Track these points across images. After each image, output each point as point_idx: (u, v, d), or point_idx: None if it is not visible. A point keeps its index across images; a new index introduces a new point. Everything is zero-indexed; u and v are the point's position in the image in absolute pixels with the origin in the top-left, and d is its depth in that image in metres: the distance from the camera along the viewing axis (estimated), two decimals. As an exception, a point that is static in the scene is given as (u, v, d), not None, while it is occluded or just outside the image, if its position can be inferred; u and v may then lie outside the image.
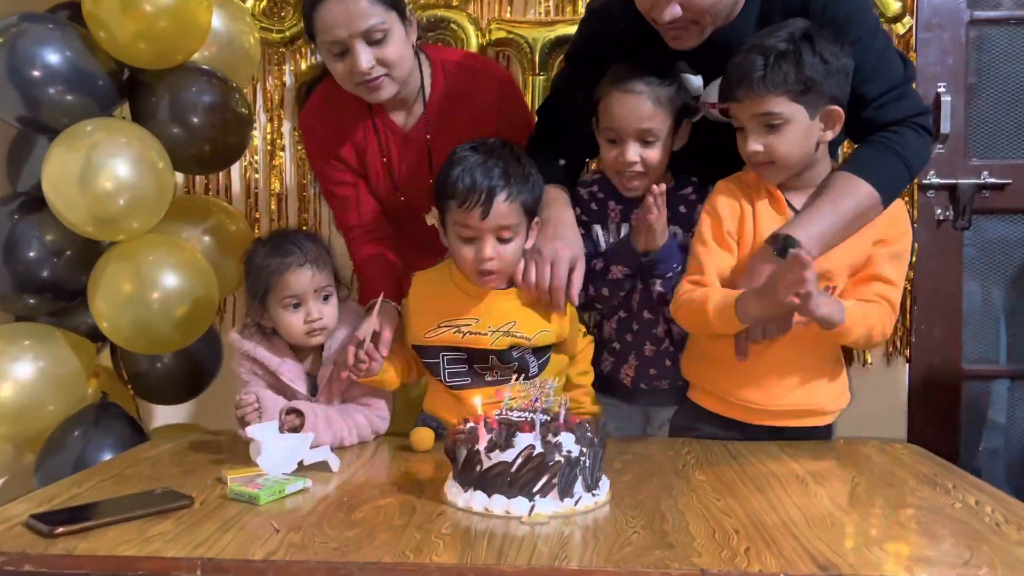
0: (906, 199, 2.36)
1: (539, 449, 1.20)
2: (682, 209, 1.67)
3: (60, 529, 1.09)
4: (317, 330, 1.59)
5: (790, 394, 1.57)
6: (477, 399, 1.36)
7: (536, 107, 1.97)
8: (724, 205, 1.55)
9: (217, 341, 2.15)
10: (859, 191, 1.50)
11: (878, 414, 1.94)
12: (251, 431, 1.43)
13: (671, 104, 1.59)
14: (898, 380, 2.44)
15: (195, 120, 1.95)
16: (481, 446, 1.22)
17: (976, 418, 2.58)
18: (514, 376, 1.56)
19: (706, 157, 1.65)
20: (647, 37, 1.55)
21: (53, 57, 1.79)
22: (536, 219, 1.58)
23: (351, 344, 1.55)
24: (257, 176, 2.42)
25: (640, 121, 1.58)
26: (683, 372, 1.69)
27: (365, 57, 1.62)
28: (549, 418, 1.28)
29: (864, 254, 1.56)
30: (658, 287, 1.64)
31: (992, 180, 2.44)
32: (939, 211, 2.46)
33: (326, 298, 1.61)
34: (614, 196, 1.70)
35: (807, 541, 1.09)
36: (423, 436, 1.55)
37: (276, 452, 1.41)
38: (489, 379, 1.59)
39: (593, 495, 1.24)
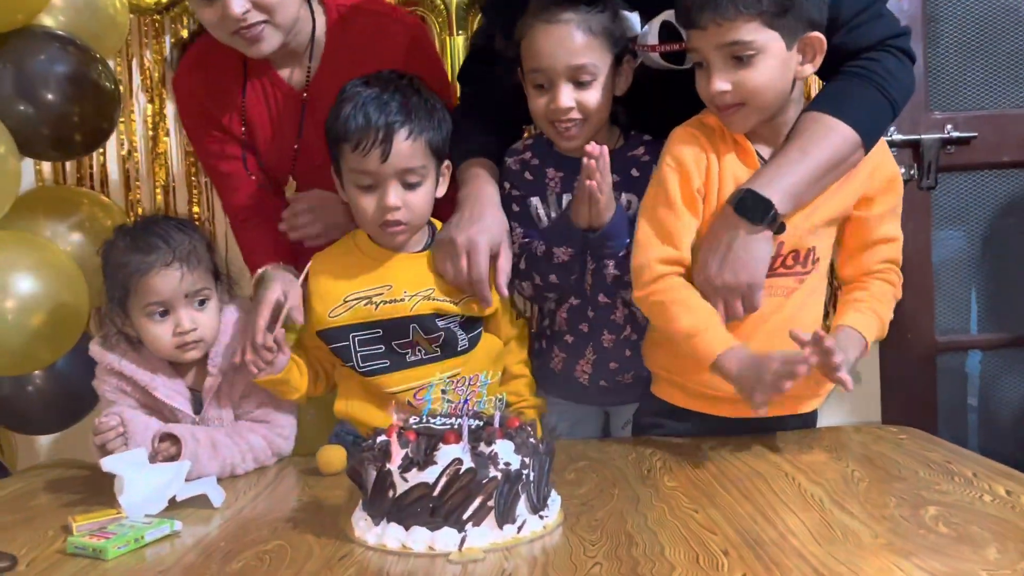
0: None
1: (468, 464, 0.93)
2: (634, 172, 1.40)
3: None
4: (190, 343, 1.30)
5: None
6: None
7: (455, 74, 1.70)
8: (689, 156, 1.28)
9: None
10: (836, 133, 1.26)
11: (848, 396, 1.71)
12: (107, 464, 1.14)
13: (607, 35, 1.32)
14: (870, 360, 2.23)
15: (47, 95, 1.63)
16: (394, 465, 0.95)
17: (951, 392, 2.41)
18: (439, 354, 1.34)
19: (655, 109, 1.40)
20: None
21: None
22: (447, 162, 1.38)
23: (249, 329, 1.28)
24: (138, 165, 2.10)
25: (571, 56, 1.30)
26: (645, 362, 1.44)
27: (238, 0, 1.33)
28: (481, 423, 1.01)
29: (844, 211, 1.33)
30: (611, 269, 1.38)
31: (957, 134, 2.25)
32: (903, 170, 2.25)
33: (202, 303, 1.31)
34: (552, 162, 1.42)
35: (818, 562, 0.84)
36: (331, 456, 1.27)
37: (140, 488, 1.13)
38: (411, 359, 1.35)
39: (541, 517, 0.98)
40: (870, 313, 1.33)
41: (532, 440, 1.00)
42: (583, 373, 1.47)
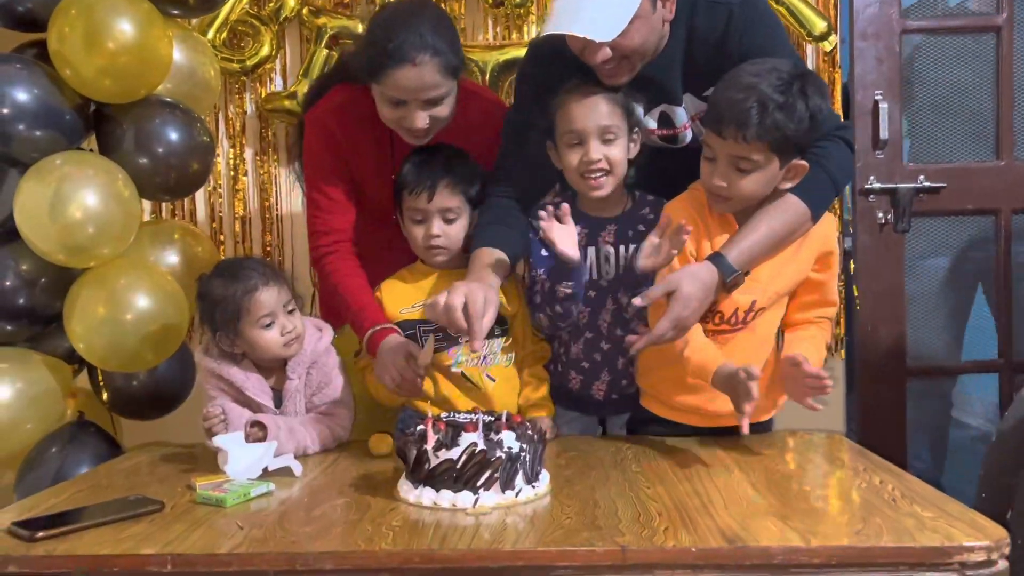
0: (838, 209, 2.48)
1: (482, 446, 1.31)
2: (640, 228, 1.76)
3: (41, 533, 1.19)
4: (293, 341, 1.69)
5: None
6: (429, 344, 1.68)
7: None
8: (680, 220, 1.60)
9: (189, 359, 2.24)
10: (792, 208, 1.59)
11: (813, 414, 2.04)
12: (217, 440, 1.53)
13: (625, 106, 1.69)
14: (835, 378, 2.55)
15: (159, 150, 2.03)
16: (429, 446, 1.33)
17: (923, 415, 2.71)
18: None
19: (655, 182, 1.78)
20: (589, 70, 1.66)
21: (21, 95, 1.89)
22: (478, 210, 1.79)
23: (401, 361, 1.68)
24: (221, 200, 2.52)
25: (600, 118, 1.67)
26: (636, 379, 1.81)
27: (422, 117, 1.73)
28: (492, 418, 1.39)
29: (803, 273, 1.66)
30: (632, 309, 1.66)
31: (928, 183, 2.56)
32: (880, 214, 2.57)
33: (291, 311, 1.71)
34: (576, 219, 1.71)
35: (720, 520, 1.21)
36: (379, 442, 1.66)
37: (241, 460, 1.51)
38: (462, 340, 1.74)
39: (533, 487, 1.35)
40: (812, 342, 1.67)
41: (529, 432, 1.38)
42: (599, 392, 1.83)
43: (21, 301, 1.99)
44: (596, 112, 1.68)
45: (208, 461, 1.59)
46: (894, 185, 2.55)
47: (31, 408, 1.98)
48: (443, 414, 1.42)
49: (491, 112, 1.89)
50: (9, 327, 2.02)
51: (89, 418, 2.10)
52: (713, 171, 1.56)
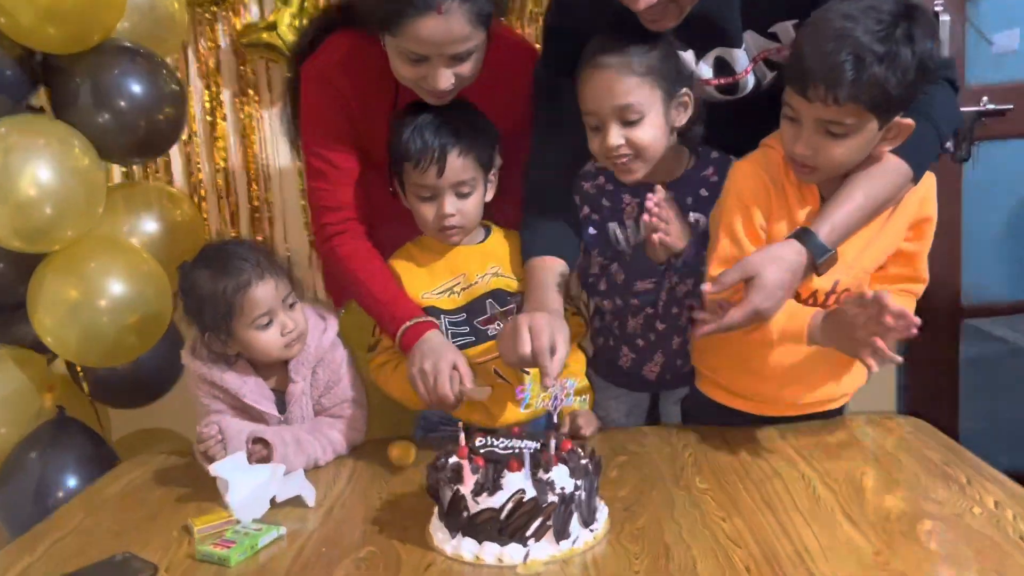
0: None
1: (530, 493, 1.10)
2: (703, 192, 1.49)
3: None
4: (296, 340, 1.46)
5: (812, 391, 1.47)
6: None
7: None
8: (751, 194, 1.35)
9: (176, 339, 2.01)
10: (892, 171, 1.32)
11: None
12: (217, 469, 1.32)
13: (654, 74, 1.39)
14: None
15: (121, 105, 1.77)
16: (466, 488, 1.12)
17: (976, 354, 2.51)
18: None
19: (721, 129, 1.48)
20: (622, 17, 1.34)
21: (-52, 52, 1.59)
22: (493, 171, 1.52)
23: (445, 373, 1.41)
24: (199, 152, 2.23)
25: (615, 98, 1.38)
26: (692, 359, 1.58)
27: (445, 77, 1.41)
28: (538, 446, 1.17)
29: (895, 245, 1.40)
30: (684, 286, 1.51)
31: (993, 106, 2.29)
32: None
33: (291, 306, 1.47)
34: (626, 188, 1.49)
35: (824, 580, 1.01)
36: (401, 453, 1.46)
37: (245, 488, 1.31)
38: (491, 333, 1.53)
39: (591, 531, 1.15)
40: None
41: (583, 461, 1.17)
42: (651, 372, 1.62)
43: (-23, 291, 1.75)
44: (611, 91, 1.38)
45: (207, 480, 1.38)
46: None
47: (3, 410, 1.77)
48: (478, 440, 1.20)
49: (517, 58, 1.56)
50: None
51: (71, 410, 1.89)
52: (796, 136, 1.28)
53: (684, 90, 1.43)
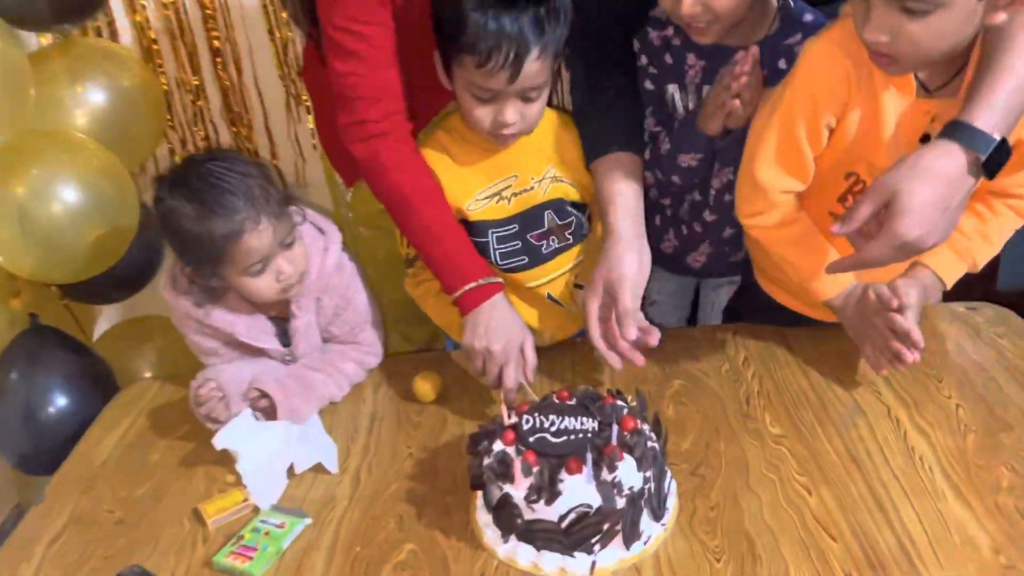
0: None
1: (595, 502, 0.94)
2: (782, 64, 1.21)
3: None
4: (293, 284, 1.24)
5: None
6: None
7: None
8: (825, 89, 1.07)
9: (151, 221, 1.77)
10: None
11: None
12: (222, 442, 1.16)
13: None
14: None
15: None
16: (518, 493, 0.96)
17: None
18: (570, 241, 1.32)
19: None
20: None
21: None
22: (560, 58, 1.21)
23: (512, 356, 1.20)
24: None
25: None
26: (747, 245, 1.37)
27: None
28: (595, 426, 1.00)
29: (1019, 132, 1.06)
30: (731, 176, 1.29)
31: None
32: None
33: (290, 244, 1.23)
34: (695, 47, 1.25)
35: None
36: (425, 388, 1.30)
37: (255, 455, 1.16)
38: (546, 251, 1.32)
39: (662, 525, 1.00)
40: (962, 252, 1.19)
41: (651, 444, 1.00)
42: (696, 261, 1.45)
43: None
44: None
45: (206, 432, 1.22)
46: None
47: (-34, 330, 1.57)
48: (525, 421, 1.02)
49: None
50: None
51: (44, 315, 1.69)
52: (865, 16, 0.96)
53: None
